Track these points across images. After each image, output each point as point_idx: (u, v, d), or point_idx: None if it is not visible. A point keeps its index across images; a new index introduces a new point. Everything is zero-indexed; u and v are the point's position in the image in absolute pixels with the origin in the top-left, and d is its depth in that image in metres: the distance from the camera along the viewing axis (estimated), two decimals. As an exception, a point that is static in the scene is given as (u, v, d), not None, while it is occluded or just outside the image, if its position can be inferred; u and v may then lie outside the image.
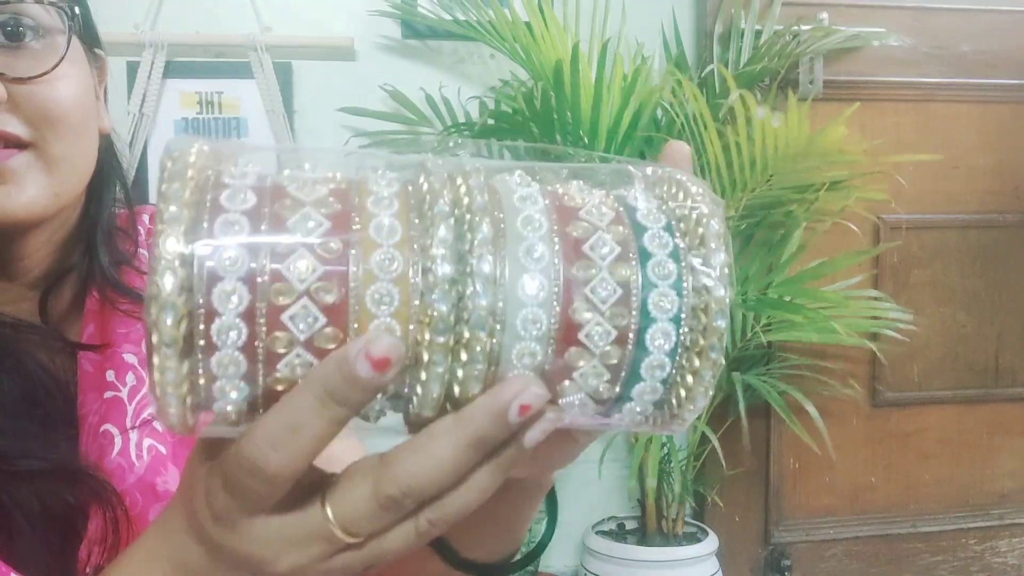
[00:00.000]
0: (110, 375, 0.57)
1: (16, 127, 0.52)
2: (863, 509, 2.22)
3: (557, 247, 0.32)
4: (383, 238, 0.31)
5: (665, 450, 1.85)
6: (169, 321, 0.29)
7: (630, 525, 1.96)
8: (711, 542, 1.86)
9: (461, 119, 1.92)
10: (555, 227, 0.32)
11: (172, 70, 1.84)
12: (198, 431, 0.33)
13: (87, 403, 0.56)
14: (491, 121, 1.87)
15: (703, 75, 1.97)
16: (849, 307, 1.83)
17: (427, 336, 0.30)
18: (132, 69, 1.82)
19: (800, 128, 1.61)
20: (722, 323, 0.33)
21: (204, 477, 0.34)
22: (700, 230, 0.34)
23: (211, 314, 0.29)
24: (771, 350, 1.99)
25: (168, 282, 0.28)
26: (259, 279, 0.29)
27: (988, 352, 2.23)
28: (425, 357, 0.31)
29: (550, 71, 1.68)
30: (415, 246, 0.31)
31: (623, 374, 0.33)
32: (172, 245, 0.29)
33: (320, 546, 0.34)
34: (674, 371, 0.33)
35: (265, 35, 1.86)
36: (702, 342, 0.33)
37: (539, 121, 1.74)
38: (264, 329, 0.29)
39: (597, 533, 1.90)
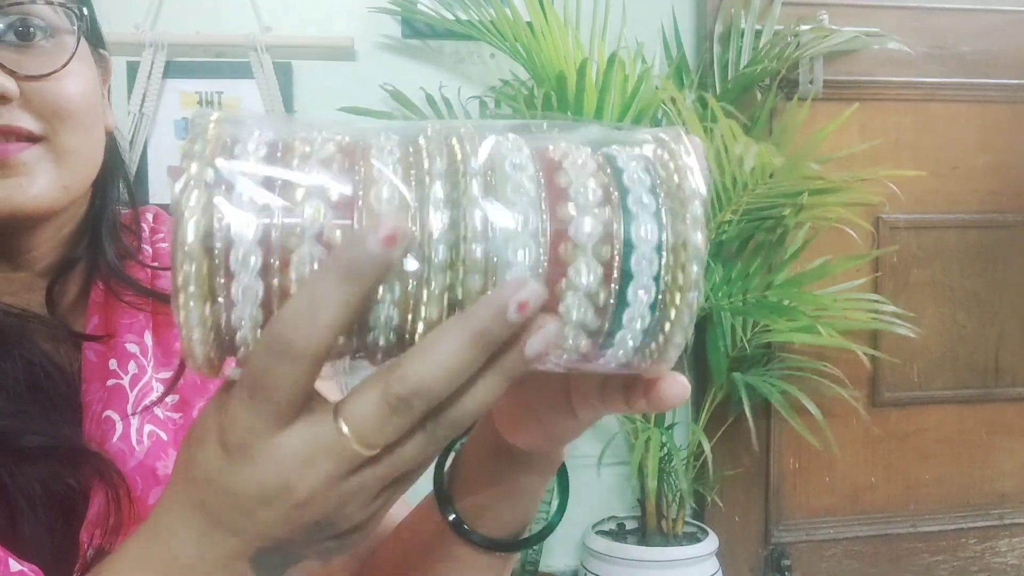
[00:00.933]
0: (112, 364, 0.58)
1: (28, 122, 0.54)
2: (863, 509, 2.22)
3: (544, 192, 0.34)
4: (385, 177, 0.33)
5: (665, 450, 1.85)
6: (193, 266, 0.31)
7: (630, 525, 1.96)
8: (711, 542, 1.86)
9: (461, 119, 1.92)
10: (541, 175, 0.35)
11: (172, 70, 1.85)
12: (223, 373, 0.35)
13: (91, 391, 0.58)
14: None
15: (702, 76, 1.97)
16: (847, 308, 1.83)
17: (423, 312, 0.33)
18: (132, 69, 1.82)
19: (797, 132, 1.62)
20: (696, 268, 0.35)
21: (221, 407, 0.35)
22: (677, 178, 0.36)
23: (229, 246, 0.32)
24: (771, 350, 1.99)
25: (191, 230, 0.31)
26: (273, 221, 0.32)
27: (988, 352, 2.23)
28: (420, 326, 0.34)
29: (551, 71, 1.68)
30: (414, 195, 0.33)
31: (612, 300, 0.35)
32: (195, 197, 0.31)
33: (335, 462, 0.35)
34: (660, 297, 0.35)
35: (265, 35, 1.86)
36: (681, 279, 0.35)
37: (536, 117, 1.74)
38: (278, 263, 0.32)
39: (597, 533, 1.90)
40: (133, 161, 1.81)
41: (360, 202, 0.33)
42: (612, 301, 0.35)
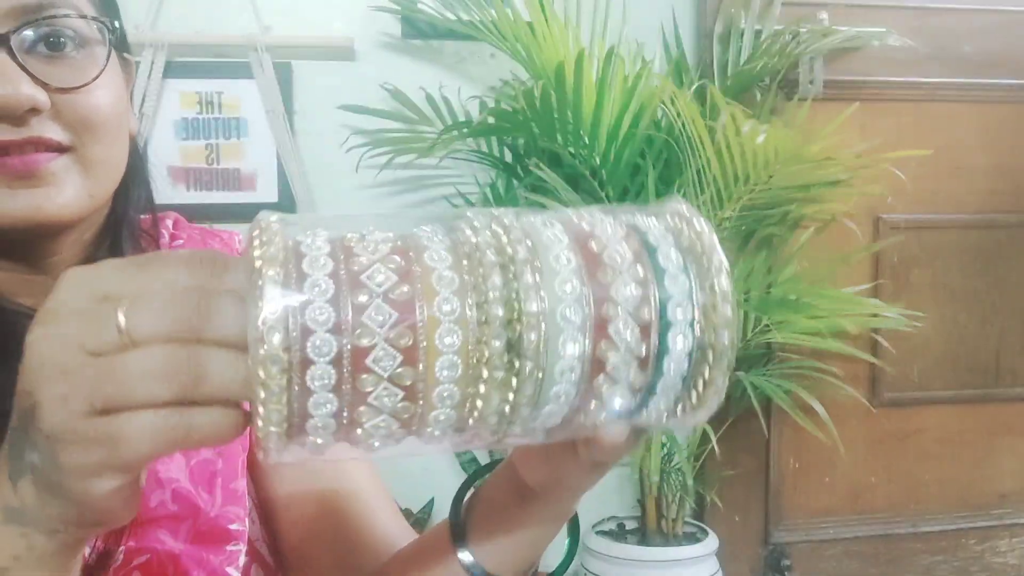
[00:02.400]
0: None
1: (57, 133, 0.54)
2: (863, 509, 2.22)
3: (581, 260, 0.38)
4: (443, 287, 0.36)
5: (665, 450, 1.85)
6: (275, 371, 0.34)
7: (630, 525, 1.96)
8: (711, 542, 1.86)
9: (462, 119, 1.92)
10: (582, 262, 0.38)
11: (172, 70, 1.84)
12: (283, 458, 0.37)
13: None
14: (491, 121, 1.87)
15: (701, 75, 1.97)
16: (851, 306, 1.83)
17: (484, 372, 0.36)
18: (132, 69, 1.81)
19: (796, 132, 1.61)
20: (728, 310, 0.38)
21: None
22: (704, 260, 0.39)
23: (306, 363, 0.34)
24: (771, 350, 1.99)
25: (275, 339, 0.34)
26: (344, 331, 0.35)
27: (988, 352, 2.23)
28: (482, 389, 0.36)
29: (551, 70, 1.68)
30: (470, 292, 0.36)
31: (654, 351, 0.38)
32: (272, 306, 0.34)
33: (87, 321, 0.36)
34: (697, 342, 0.39)
35: (265, 35, 1.86)
36: (716, 320, 0.38)
37: (539, 120, 1.74)
38: (350, 372, 0.35)
39: (597, 533, 1.90)
40: (133, 161, 1.81)
41: (420, 309, 0.36)
42: (654, 351, 0.38)
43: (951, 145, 2.17)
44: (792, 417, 1.79)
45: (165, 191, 2.03)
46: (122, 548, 0.56)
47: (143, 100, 1.82)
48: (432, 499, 1.90)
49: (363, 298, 0.35)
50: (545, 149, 1.83)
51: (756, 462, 2.11)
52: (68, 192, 0.55)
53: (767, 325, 1.83)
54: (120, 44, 0.62)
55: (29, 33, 0.53)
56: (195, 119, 1.88)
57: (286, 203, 1.91)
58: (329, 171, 1.95)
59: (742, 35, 1.95)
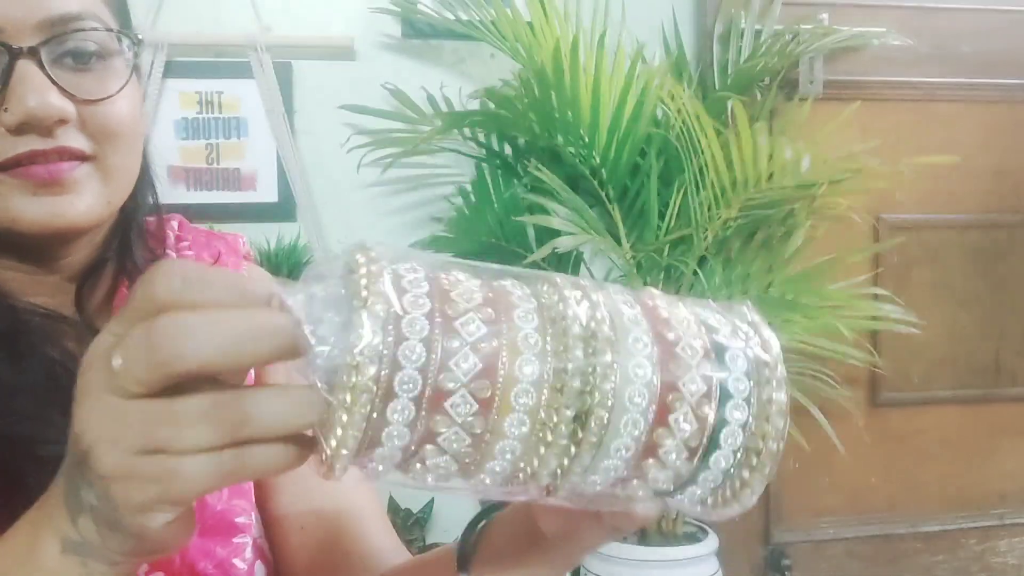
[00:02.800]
0: None
1: (81, 143, 0.56)
2: (863, 509, 2.21)
3: (656, 347, 0.40)
4: (527, 349, 0.38)
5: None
6: (363, 399, 0.35)
7: (630, 525, 1.96)
8: (711, 542, 1.86)
9: (461, 119, 1.92)
10: (657, 350, 0.40)
11: (172, 70, 1.84)
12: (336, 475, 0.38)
13: None
14: (491, 106, 1.87)
15: (702, 73, 1.97)
16: (851, 306, 1.83)
17: (548, 436, 0.38)
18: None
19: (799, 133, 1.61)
20: (781, 423, 0.42)
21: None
22: (767, 371, 0.42)
23: (390, 396, 0.36)
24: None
25: (370, 370, 0.35)
26: (431, 372, 0.36)
27: (988, 352, 2.23)
28: (542, 451, 0.38)
29: (549, 61, 1.68)
30: (550, 358, 0.38)
31: (705, 444, 0.41)
32: (371, 339, 0.35)
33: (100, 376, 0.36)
34: (745, 444, 0.42)
35: (265, 35, 1.86)
36: (767, 429, 0.42)
37: (538, 115, 1.74)
38: (427, 411, 0.37)
39: (597, 533, 1.90)
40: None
41: (503, 365, 0.37)
42: (705, 445, 0.40)
43: (951, 145, 2.16)
44: (793, 417, 1.78)
45: (165, 191, 2.03)
46: None
47: (143, 100, 1.81)
48: (432, 499, 1.90)
49: (455, 344, 0.37)
50: (545, 148, 1.83)
51: (756, 462, 2.11)
52: (88, 199, 0.57)
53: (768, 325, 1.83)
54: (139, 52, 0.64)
55: (57, 46, 0.55)
56: (195, 119, 1.88)
57: (286, 203, 1.91)
58: (329, 171, 1.95)
59: (742, 35, 1.95)
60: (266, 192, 1.92)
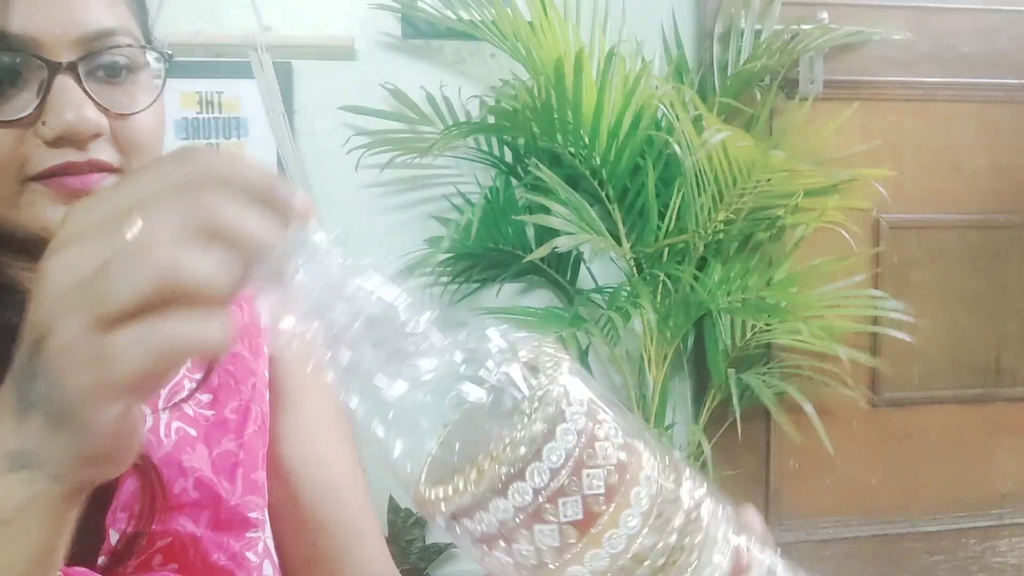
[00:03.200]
0: None
1: (112, 156, 0.58)
2: (863, 509, 2.22)
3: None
4: (636, 505, 0.41)
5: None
6: (502, 471, 0.38)
7: (630, 525, 1.96)
8: (711, 542, 1.86)
9: (462, 118, 1.92)
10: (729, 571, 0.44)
11: (172, 70, 1.84)
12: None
13: None
14: (491, 120, 1.87)
15: (702, 74, 1.97)
16: (846, 307, 1.83)
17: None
18: (132, 69, 1.81)
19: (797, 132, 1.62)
20: None
21: None
22: None
23: (519, 476, 0.39)
24: (771, 350, 1.99)
25: (521, 451, 0.39)
26: (561, 473, 0.39)
27: (988, 352, 2.23)
28: None
29: (551, 69, 1.68)
30: (648, 524, 0.41)
31: None
32: (538, 436, 0.39)
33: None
34: None
35: (265, 35, 1.86)
36: None
37: (539, 119, 1.74)
38: (540, 502, 0.39)
39: (597, 533, 1.90)
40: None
41: (616, 502, 0.40)
42: None
43: (951, 145, 2.16)
44: (793, 417, 1.79)
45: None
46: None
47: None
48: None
49: (591, 463, 0.40)
50: (545, 149, 1.83)
51: (756, 462, 2.11)
52: None
53: (767, 325, 1.83)
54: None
55: (93, 60, 0.57)
56: (195, 119, 1.88)
57: (286, 203, 1.91)
58: (329, 171, 1.95)
59: (742, 35, 1.95)
60: (266, 192, 1.92)
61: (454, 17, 1.85)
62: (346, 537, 0.71)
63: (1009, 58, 2.18)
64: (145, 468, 0.57)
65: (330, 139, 1.92)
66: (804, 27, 1.93)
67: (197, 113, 1.88)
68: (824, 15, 2.02)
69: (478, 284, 2.01)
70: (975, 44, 2.16)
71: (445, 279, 1.98)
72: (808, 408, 1.78)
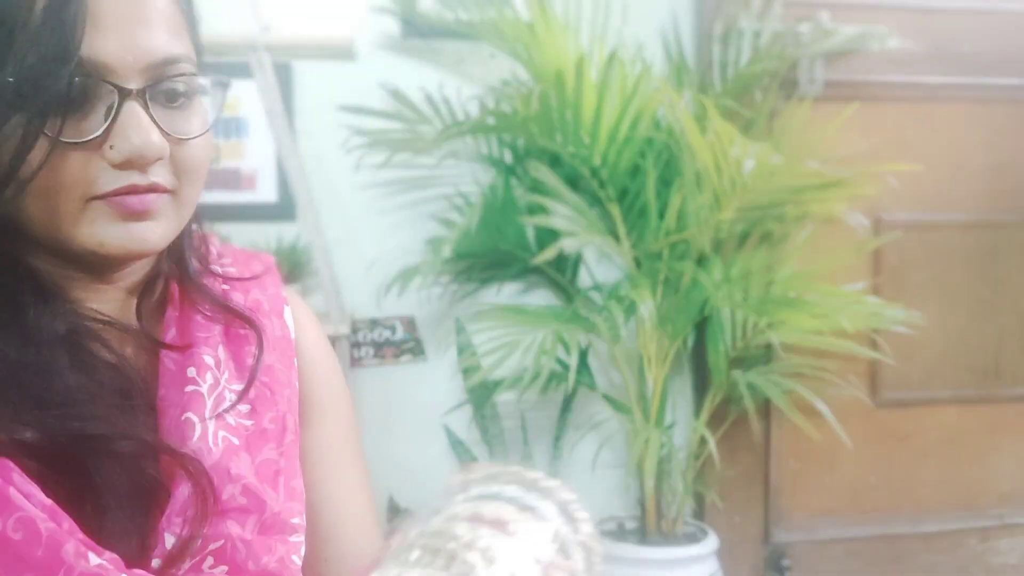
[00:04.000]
0: (191, 371, 0.64)
1: (168, 179, 0.60)
2: (863, 509, 2.22)
3: None
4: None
5: (665, 450, 1.85)
6: None
7: (630, 525, 1.96)
8: (711, 542, 1.86)
9: (461, 118, 1.92)
10: None
11: (172, 70, 1.84)
12: None
13: (168, 396, 0.63)
14: (491, 120, 1.87)
15: (702, 76, 1.97)
16: (850, 305, 1.83)
17: None
18: (132, 69, 1.81)
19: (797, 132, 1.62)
20: None
21: None
22: None
23: None
24: (771, 350, 1.99)
25: None
26: None
27: (988, 352, 2.23)
28: None
29: (551, 71, 1.68)
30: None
31: None
32: None
33: None
34: None
35: (265, 35, 1.86)
36: None
37: (539, 123, 1.74)
38: None
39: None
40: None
41: None
42: None
43: (951, 145, 2.16)
44: (792, 417, 1.79)
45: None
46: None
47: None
48: (432, 499, 1.90)
49: None
50: (545, 149, 1.83)
51: (756, 462, 2.11)
52: (165, 225, 0.61)
53: (768, 323, 1.83)
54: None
55: (158, 86, 0.59)
56: (195, 119, 1.88)
57: (286, 203, 1.91)
58: (329, 171, 1.95)
59: (742, 35, 1.95)
60: (266, 192, 1.93)
61: (454, 18, 1.85)
62: (355, 561, 0.72)
63: (1009, 58, 2.18)
64: (198, 475, 0.59)
65: (330, 139, 1.92)
66: (804, 28, 1.93)
67: (197, 113, 1.88)
68: (824, 15, 2.02)
69: (478, 284, 2.01)
70: (975, 44, 2.16)
71: (445, 279, 1.98)
72: (822, 407, 1.78)
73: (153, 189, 0.59)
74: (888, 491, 2.22)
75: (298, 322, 0.74)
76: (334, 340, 1.75)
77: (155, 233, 0.60)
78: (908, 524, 2.23)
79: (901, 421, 2.21)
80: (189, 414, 0.62)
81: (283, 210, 1.92)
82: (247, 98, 1.88)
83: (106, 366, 0.61)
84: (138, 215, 0.59)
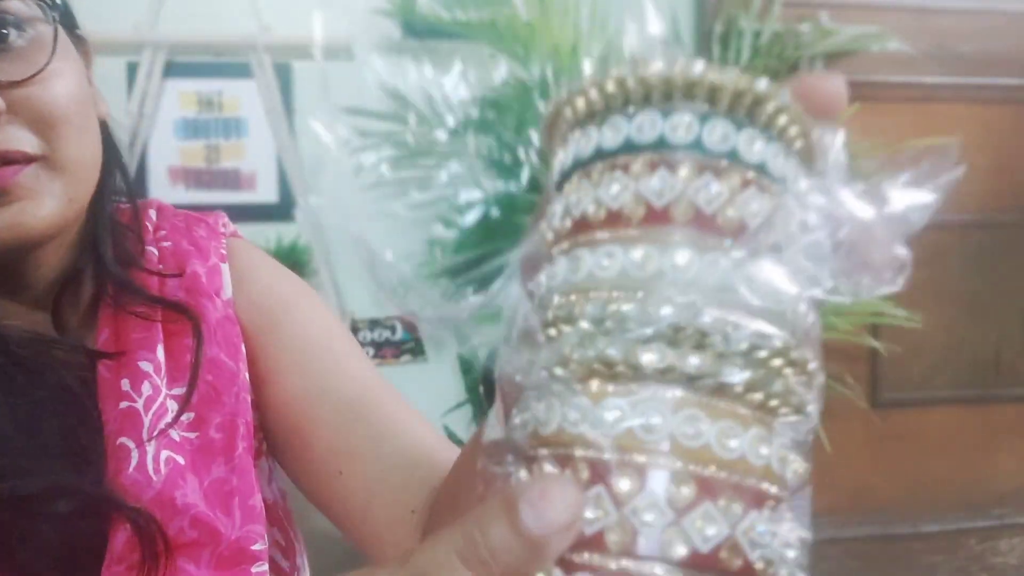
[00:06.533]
0: (125, 384, 0.54)
1: (20, 142, 0.49)
2: (863, 509, 2.22)
3: None
4: None
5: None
6: None
7: (630, 525, 1.96)
8: (711, 542, 1.86)
9: (461, 119, 1.92)
10: None
11: (172, 70, 1.84)
12: None
13: (106, 414, 0.54)
14: (490, 116, 1.87)
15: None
16: (850, 305, 1.83)
17: None
18: (132, 69, 1.82)
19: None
20: None
21: None
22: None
23: None
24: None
25: None
26: None
27: (988, 352, 2.23)
28: None
29: (551, 71, 1.68)
30: None
31: None
32: None
33: None
34: None
35: (265, 35, 1.86)
36: None
37: (538, 120, 1.74)
38: None
39: (597, 533, 1.90)
40: (133, 162, 1.81)
41: None
42: None
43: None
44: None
45: (165, 191, 2.01)
46: None
47: (143, 100, 1.82)
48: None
49: None
50: (545, 149, 1.83)
51: (756, 462, 2.11)
52: (48, 203, 0.51)
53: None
54: (68, 20, 0.55)
55: None
56: (195, 119, 1.88)
57: (286, 203, 1.91)
58: (328, 171, 1.95)
59: (742, 36, 1.95)
60: (266, 192, 1.92)
61: (453, 19, 1.85)
62: (381, 428, 0.60)
63: (1009, 58, 2.18)
64: (135, 515, 0.51)
65: (330, 139, 1.92)
66: (804, 27, 1.93)
67: (197, 113, 1.88)
68: (824, 15, 2.02)
69: (479, 284, 2.01)
70: (975, 44, 2.16)
71: (446, 279, 1.98)
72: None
73: (8, 159, 0.48)
74: (888, 491, 2.22)
75: (239, 274, 0.63)
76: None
77: (35, 215, 0.50)
78: (908, 524, 2.23)
79: (901, 421, 2.21)
80: (123, 439, 0.53)
81: (283, 210, 1.92)
82: (247, 98, 1.88)
83: (36, 398, 0.52)
84: (2, 195, 0.48)
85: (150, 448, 0.53)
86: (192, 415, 0.56)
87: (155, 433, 0.53)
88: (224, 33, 1.86)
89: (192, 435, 0.56)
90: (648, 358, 0.27)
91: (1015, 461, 2.27)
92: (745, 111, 0.33)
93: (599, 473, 0.27)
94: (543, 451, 0.28)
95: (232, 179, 1.91)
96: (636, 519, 0.26)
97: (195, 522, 0.52)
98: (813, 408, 0.30)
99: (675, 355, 0.27)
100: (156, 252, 0.61)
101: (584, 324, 0.28)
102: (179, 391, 0.56)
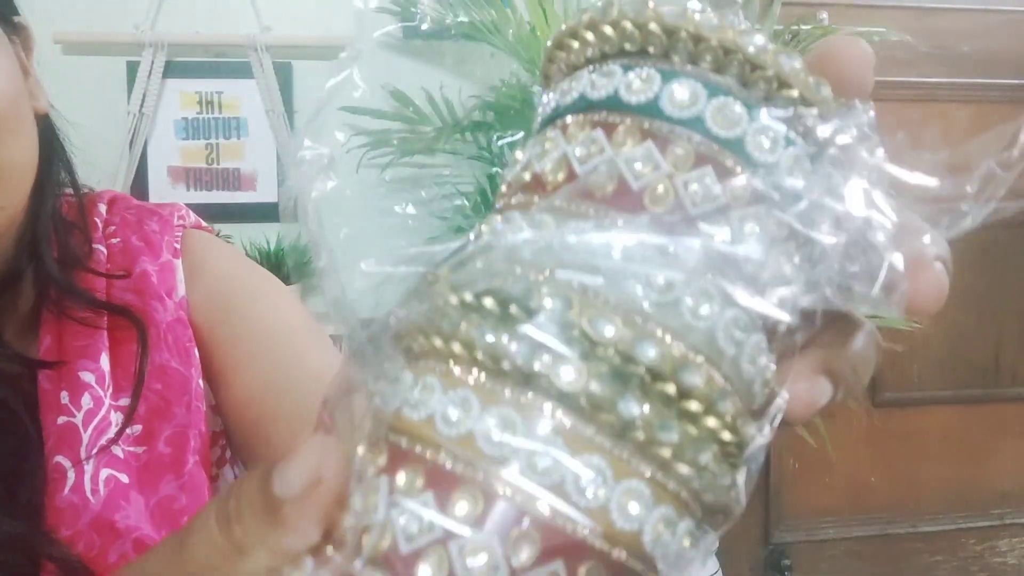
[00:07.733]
0: (64, 397, 0.50)
1: None
2: (863, 509, 2.22)
3: None
4: None
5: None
6: None
7: (630, 525, 1.96)
8: (711, 542, 1.86)
9: (462, 118, 1.92)
10: None
11: (172, 70, 1.84)
12: None
13: (47, 427, 0.49)
14: (491, 119, 1.87)
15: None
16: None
17: None
18: (132, 69, 1.82)
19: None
20: None
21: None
22: None
23: None
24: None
25: None
26: None
27: (988, 352, 2.23)
28: None
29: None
30: None
31: None
32: None
33: None
34: None
35: (265, 35, 1.86)
36: None
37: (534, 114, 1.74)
38: None
39: (597, 533, 1.90)
40: (132, 162, 1.81)
41: None
42: None
43: (951, 145, 2.16)
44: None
45: (165, 191, 2.01)
46: None
47: (143, 100, 1.82)
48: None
49: None
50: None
51: (756, 462, 2.11)
52: None
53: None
54: (2, 6, 0.50)
55: None
56: (195, 119, 1.88)
57: (286, 203, 1.91)
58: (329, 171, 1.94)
59: (742, 35, 1.95)
60: (266, 192, 1.93)
61: (453, 19, 1.85)
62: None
63: (1009, 58, 2.18)
64: (63, 559, 0.45)
65: (330, 139, 1.92)
66: (804, 27, 1.93)
67: (197, 113, 1.88)
68: (824, 15, 2.02)
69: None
70: (975, 44, 2.16)
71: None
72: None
73: None
74: (888, 491, 2.22)
75: (193, 267, 0.58)
76: (334, 340, 1.75)
77: None
78: (908, 524, 2.23)
79: (901, 421, 2.21)
80: (59, 457, 0.48)
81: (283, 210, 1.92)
82: (247, 98, 1.88)
83: None
84: None
85: (88, 467, 0.48)
86: (139, 428, 0.51)
87: (94, 450, 0.49)
88: (224, 33, 1.86)
89: (139, 450, 0.51)
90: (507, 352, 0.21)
91: (1015, 461, 2.27)
92: (710, 65, 0.25)
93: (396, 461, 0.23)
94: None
95: (232, 179, 1.91)
96: (394, 524, 0.22)
97: (138, 545, 0.48)
98: (731, 495, 0.22)
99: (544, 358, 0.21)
100: (104, 251, 0.56)
101: (466, 295, 0.23)
102: (126, 402, 0.51)
